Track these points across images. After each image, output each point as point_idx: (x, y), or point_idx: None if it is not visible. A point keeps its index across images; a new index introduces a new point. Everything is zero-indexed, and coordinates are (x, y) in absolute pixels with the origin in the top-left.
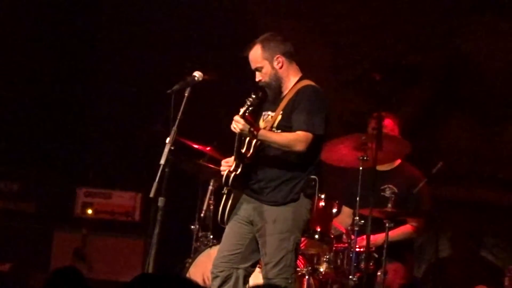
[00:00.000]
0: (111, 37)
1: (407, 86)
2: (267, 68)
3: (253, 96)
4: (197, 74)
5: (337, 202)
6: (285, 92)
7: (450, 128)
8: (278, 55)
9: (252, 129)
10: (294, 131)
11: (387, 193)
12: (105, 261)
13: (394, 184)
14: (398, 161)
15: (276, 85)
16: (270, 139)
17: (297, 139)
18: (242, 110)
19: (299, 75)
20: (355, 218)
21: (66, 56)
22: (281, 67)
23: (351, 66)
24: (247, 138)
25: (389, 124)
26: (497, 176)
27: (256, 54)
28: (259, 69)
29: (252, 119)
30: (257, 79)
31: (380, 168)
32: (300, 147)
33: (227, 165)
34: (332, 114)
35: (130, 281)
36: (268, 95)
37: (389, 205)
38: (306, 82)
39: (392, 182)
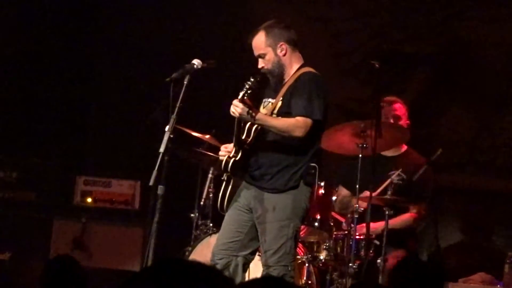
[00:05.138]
0: (111, 25)
1: (405, 73)
2: (270, 55)
3: (252, 80)
4: (196, 62)
5: (336, 189)
6: (286, 79)
7: (448, 115)
8: (281, 42)
9: (251, 112)
10: (293, 116)
11: (395, 178)
12: (104, 249)
13: (402, 169)
14: (404, 147)
15: (279, 72)
16: (269, 123)
17: (296, 124)
18: (241, 94)
19: (301, 62)
20: (355, 205)
21: (65, 46)
22: (284, 54)
23: (349, 54)
24: (247, 124)
25: (401, 109)
26: (495, 163)
27: (260, 41)
28: (262, 56)
29: (252, 103)
30: (259, 66)
31: (386, 153)
32: (299, 132)
33: (226, 150)
34: (332, 102)
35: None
36: (270, 82)
37: (389, 193)
38: (307, 69)
39: (399, 167)
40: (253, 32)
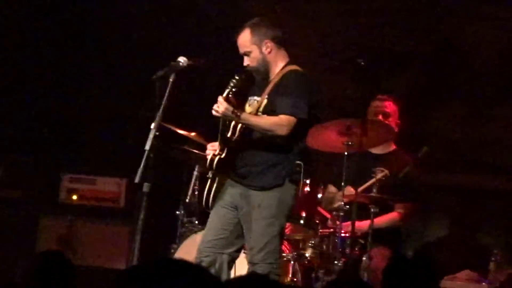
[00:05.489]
0: (97, 20)
1: (395, 72)
2: (255, 53)
3: (237, 78)
4: (182, 60)
5: (322, 187)
6: (272, 77)
7: (437, 113)
8: (267, 40)
9: (235, 111)
10: (278, 115)
11: (378, 175)
12: (90, 247)
13: (387, 167)
14: (393, 146)
15: (264, 70)
16: (253, 122)
17: (279, 122)
18: (225, 92)
19: (286, 60)
20: (341, 203)
21: (51, 43)
22: (269, 52)
23: (339, 52)
24: (232, 122)
25: (391, 106)
26: (483, 161)
27: (245, 39)
28: (247, 54)
29: (237, 102)
30: (245, 64)
31: (374, 151)
32: (282, 131)
33: (213, 148)
34: (323, 100)
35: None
36: (256, 80)
37: (374, 190)
38: (292, 67)
39: (384, 165)
40: (239, 30)
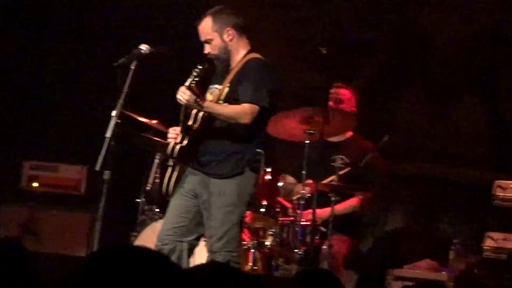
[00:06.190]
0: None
1: (359, 60)
2: (216, 41)
3: (199, 67)
4: (144, 47)
5: (282, 175)
6: (233, 65)
7: (401, 102)
8: (228, 28)
9: (198, 99)
10: (240, 103)
11: (338, 163)
12: (51, 234)
13: (345, 154)
14: (350, 133)
15: (225, 58)
16: (216, 110)
17: (242, 111)
18: (188, 81)
19: (248, 48)
20: (302, 191)
21: (13, 31)
22: (231, 40)
23: (304, 41)
24: (194, 111)
25: (346, 94)
26: (447, 151)
27: (207, 26)
28: (208, 41)
29: (199, 91)
30: (205, 51)
31: (331, 139)
32: (245, 119)
33: (175, 133)
34: (286, 89)
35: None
36: (216, 68)
37: (335, 179)
38: (254, 55)
39: (343, 153)
40: (200, 17)
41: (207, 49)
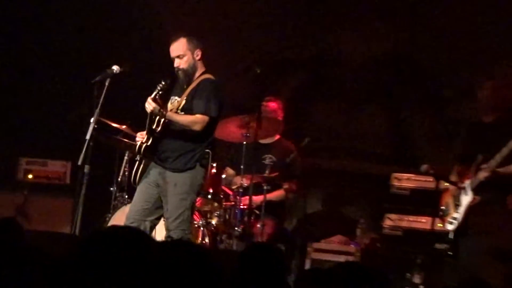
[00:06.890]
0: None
1: (286, 76)
2: (188, 57)
3: (163, 83)
4: (115, 68)
5: (225, 169)
6: (192, 82)
7: (319, 110)
8: (198, 49)
9: (161, 110)
10: (194, 114)
11: (267, 161)
12: (42, 216)
13: (273, 154)
14: (278, 136)
15: (191, 73)
16: (175, 119)
17: (195, 120)
18: (153, 94)
19: (203, 69)
20: (241, 182)
21: (5, 36)
22: (199, 59)
23: (240, 60)
24: (157, 117)
25: (275, 105)
26: (356, 149)
27: (181, 44)
28: (180, 57)
29: (162, 102)
30: (175, 65)
31: (262, 141)
32: (197, 127)
33: (141, 136)
34: (227, 100)
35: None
36: (180, 81)
37: (267, 172)
38: (207, 75)
39: (271, 153)
40: (176, 37)
41: (177, 63)
